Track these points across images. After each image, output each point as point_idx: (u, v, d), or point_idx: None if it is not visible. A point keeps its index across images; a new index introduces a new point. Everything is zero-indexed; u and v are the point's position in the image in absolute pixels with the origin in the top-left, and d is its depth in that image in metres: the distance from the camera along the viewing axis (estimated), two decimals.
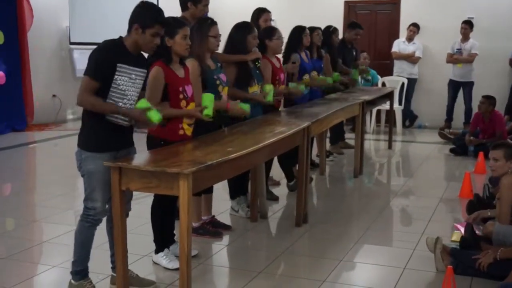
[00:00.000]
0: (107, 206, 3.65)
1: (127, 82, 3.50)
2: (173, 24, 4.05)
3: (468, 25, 10.03)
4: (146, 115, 3.52)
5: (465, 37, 10.09)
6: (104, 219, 3.72)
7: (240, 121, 4.90)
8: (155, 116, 3.54)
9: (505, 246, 4.01)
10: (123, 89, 3.49)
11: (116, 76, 3.45)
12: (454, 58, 10.15)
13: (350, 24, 8.75)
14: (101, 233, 3.77)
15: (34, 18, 10.26)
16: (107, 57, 3.45)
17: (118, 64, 3.45)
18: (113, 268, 3.85)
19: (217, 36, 4.59)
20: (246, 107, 4.73)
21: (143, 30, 3.50)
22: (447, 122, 10.38)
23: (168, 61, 4.05)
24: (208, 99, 4.18)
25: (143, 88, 3.72)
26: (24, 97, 10.28)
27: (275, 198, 5.97)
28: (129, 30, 3.55)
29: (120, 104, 3.50)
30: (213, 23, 4.62)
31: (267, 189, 6.04)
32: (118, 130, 3.55)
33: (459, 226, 4.99)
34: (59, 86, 10.89)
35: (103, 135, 3.53)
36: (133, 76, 3.53)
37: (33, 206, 6.01)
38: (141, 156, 3.78)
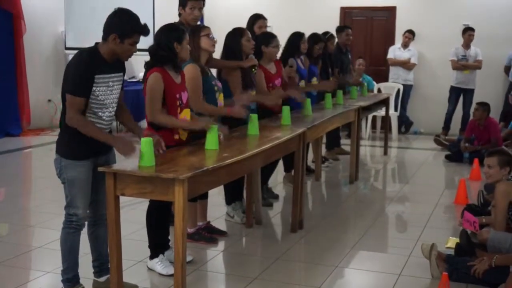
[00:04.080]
0: (88, 211, 3.65)
1: (105, 91, 3.49)
2: (180, 31, 4.07)
3: (473, 31, 9.95)
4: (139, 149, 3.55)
5: (469, 44, 10.02)
6: (86, 224, 3.71)
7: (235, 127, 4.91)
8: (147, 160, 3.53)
9: (500, 253, 4.02)
10: (101, 99, 3.48)
11: (94, 88, 3.43)
12: (461, 65, 10.10)
13: (337, 28, 8.69)
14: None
15: (29, 23, 10.25)
16: (86, 71, 3.41)
17: (96, 76, 3.42)
18: (95, 273, 3.85)
19: (209, 35, 4.58)
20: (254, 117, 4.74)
21: (122, 40, 3.44)
22: (444, 129, 10.31)
23: (176, 67, 4.05)
24: (213, 131, 4.10)
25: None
26: (20, 102, 10.26)
27: (275, 196, 6.11)
28: (105, 38, 3.47)
29: (100, 113, 3.51)
30: (204, 26, 4.73)
31: (267, 189, 6.07)
32: None
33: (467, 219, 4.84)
34: (54, 91, 10.87)
35: (82, 142, 3.49)
36: (110, 83, 3.52)
37: (27, 211, 5.98)
38: (136, 161, 3.76)
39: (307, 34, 6.85)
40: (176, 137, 4.10)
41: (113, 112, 3.61)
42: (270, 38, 5.75)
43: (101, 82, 3.46)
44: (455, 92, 10.23)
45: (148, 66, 4.09)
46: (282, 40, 6.55)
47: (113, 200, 3.48)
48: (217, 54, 5.22)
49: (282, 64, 6.07)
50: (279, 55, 6.18)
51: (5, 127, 10.00)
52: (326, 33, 7.90)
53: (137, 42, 3.52)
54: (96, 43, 3.54)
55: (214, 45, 4.66)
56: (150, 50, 4.06)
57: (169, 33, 4.06)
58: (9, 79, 10.06)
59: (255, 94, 5.31)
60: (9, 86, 10.05)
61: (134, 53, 3.58)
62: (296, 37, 6.53)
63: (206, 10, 5.28)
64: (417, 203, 6.38)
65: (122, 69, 3.67)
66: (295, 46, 6.49)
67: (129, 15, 3.51)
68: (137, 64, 11.62)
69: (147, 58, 4.12)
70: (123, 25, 3.45)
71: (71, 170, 3.52)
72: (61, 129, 3.58)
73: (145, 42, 4.06)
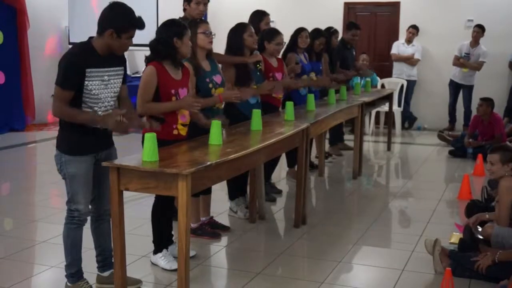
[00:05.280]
0: (90, 206, 3.66)
1: (99, 86, 3.46)
2: (181, 26, 4.05)
3: (480, 29, 9.89)
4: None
5: (476, 41, 10.00)
6: (89, 219, 3.72)
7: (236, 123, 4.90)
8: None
9: (504, 249, 4.02)
10: (95, 93, 3.46)
11: (86, 82, 3.41)
12: (460, 62, 10.09)
13: (347, 24, 8.76)
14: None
15: (33, 18, 10.26)
16: (75, 64, 3.38)
17: (87, 70, 3.39)
18: (99, 268, 3.86)
19: (206, 32, 4.54)
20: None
21: (118, 35, 3.42)
22: (450, 123, 10.37)
23: (175, 63, 4.04)
24: (216, 126, 4.12)
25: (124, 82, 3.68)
26: (24, 97, 10.28)
27: (278, 192, 6.15)
28: (100, 33, 3.44)
29: (96, 108, 3.49)
30: (201, 21, 4.63)
31: (270, 185, 6.07)
32: (97, 132, 3.53)
33: (459, 225, 4.99)
34: None
35: (82, 137, 3.49)
36: (105, 77, 3.48)
37: (31, 206, 6.00)
38: (140, 156, 3.77)
39: (310, 30, 6.85)
40: (175, 132, 4.08)
41: (109, 107, 3.57)
42: (274, 34, 5.74)
43: (94, 76, 3.43)
44: (453, 86, 10.32)
45: (148, 60, 4.08)
46: (286, 36, 6.54)
47: (117, 195, 3.48)
48: (220, 48, 5.23)
49: (283, 61, 6.07)
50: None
51: (10, 122, 10.02)
52: (329, 28, 7.89)
53: (133, 36, 3.50)
54: (90, 37, 3.51)
55: (211, 42, 4.60)
56: (150, 45, 4.05)
57: (169, 28, 4.04)
58: (13, 74, 10.08)
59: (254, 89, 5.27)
60: (13, 81, 10.07)
61: (138, 49, 3.57)
62: (294, 33, 6.54)
63: (210, 5, 5.27)
64: (420, 199, 6.38)
65: (122, 63, 3.62)
66: (293, 41, 6.50)
67: (125, 9, 3.48)
68: (140, 60, 11.65)
69: (149, 53, 4.11)
70: (119, 20, 3.42)
71: (72, 166, 3.51)
72: (60, 125, 3.57)
73: (147, 37, 4.07)
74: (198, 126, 4.30)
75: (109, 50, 3.48)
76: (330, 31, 7.82)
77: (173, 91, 4.03)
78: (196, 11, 5.09)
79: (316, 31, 7.04)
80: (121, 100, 3.77)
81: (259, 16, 6.21)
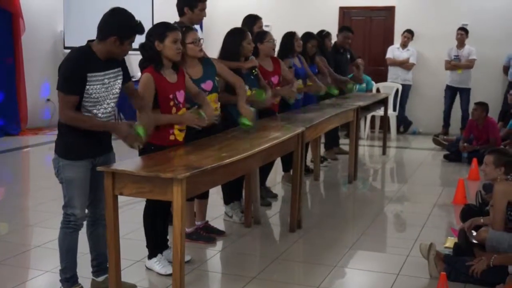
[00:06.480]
0: (86, 211, 3.66)
1: (100, 89, 3.46)
2: (162, 28, 4.01)
3: (464, 31, 10.10)
4: (134, 129, 3.53)
5: (461, 44, 10.15)
6: (85, 224, 3.72)
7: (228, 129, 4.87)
8: (141, 130, 3.56)
9: (499, 253, 4.02)
10: (96, 97, 3.46)
11: (87, 87, 3.41)
12: (453, 65, 10.18)
13: (340, 28, 8.80)
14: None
15: (28, 23, 10.26)
16: (77, 69, 3.38)
17: (88, 74, 3.39)
18: (94, 273, 3.86)
19: (195, 42, 4.46)
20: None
21: (122, 42, 3.43)
22: (444, 128, 10.42)
23: (159, 66, 3.99)
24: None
25: (126, 81, 3.66)
26: (19, 102, 10.26)
27: (274, 196, 6.15)
28: (102, 39, 3.43)
29: (94, 111, 3.49)
30: (188, 30, 4.52)
31: (266, 189, 6.07)
32: (95, 137, 3.53)
33: (454, 230, 5.00)
34: (53, 91, 10.85)
35: (80, 142, 3.49)
36: (105, 81, 3.48)
37: (26, 210, 5.99)
38: (135, 161, 3.77)
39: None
40: (172, 138, 4.07)
41: (109, 109, 3.56)
42: (264, 34, 5.77)
43: (95, 80, 3.43)
44: (450, 91, 10.36)
45: (141, 65, 4.07)
46: (279, 40, 6.55)
47: (112, 199, 3.48)
48: (215, 51, 5.22)
49: (280, 62, 6.03)
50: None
51: (4, 126, 10.00)
52: (321, 31, 7.92)
53: (134, 41, 3.52)
54: (89, 41, 3.51)
55: (201, 49, 4.52)
56: (139, 49, 4.06)
57: (152, 30, 4.03)
58: (8, 78, 10.06)
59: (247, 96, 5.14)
60: (8, 85, 10.06)
61: (133, 53, 3.58)
62: (289, 37, 6.53)
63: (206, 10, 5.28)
64: (415, 203, 6.39)
65: (120, 64, 3.60)
66: (290, 45, 6.49)
67: (127, 15, 3.48)
68: (136, 64, 11.65)
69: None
70: (123, 27, 3.43)
71: (69, 170, 3.51)
72: (59, 129, 3.57)
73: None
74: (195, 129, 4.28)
75: (109, 55, 3.49)
76: (323, 34, 7.85)
77: (171, 96, 4.01)
78: (199, 17, 5.14)
79: (307, 34, 7.06)
80: (132, 95, 3.76)
81: (252, 20, 6.22)
